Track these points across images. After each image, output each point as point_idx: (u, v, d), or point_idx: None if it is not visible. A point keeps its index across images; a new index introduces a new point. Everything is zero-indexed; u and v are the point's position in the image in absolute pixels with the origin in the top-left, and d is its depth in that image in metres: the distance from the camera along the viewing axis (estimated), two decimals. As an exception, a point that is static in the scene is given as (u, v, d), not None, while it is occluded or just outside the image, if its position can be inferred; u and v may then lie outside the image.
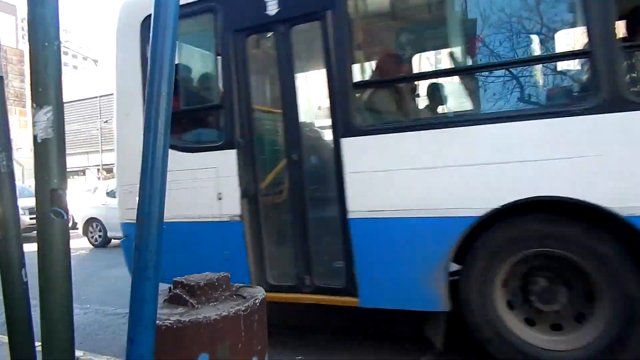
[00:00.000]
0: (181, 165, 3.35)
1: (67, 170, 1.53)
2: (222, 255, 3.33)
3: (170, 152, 2.84)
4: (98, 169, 26.66)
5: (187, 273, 2.53)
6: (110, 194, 9.62)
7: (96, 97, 25.41)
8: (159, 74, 1.41)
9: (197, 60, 4.08)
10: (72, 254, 1.46)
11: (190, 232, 3.44)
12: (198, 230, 3.43)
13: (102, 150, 26.23)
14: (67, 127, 1.50)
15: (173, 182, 2.84)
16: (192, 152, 3.53)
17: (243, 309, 1.79)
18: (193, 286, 1.85)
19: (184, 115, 3.83)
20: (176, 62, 2.80)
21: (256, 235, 3.37)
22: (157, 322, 1.53)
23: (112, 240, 10.07)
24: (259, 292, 1.99)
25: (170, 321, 1.66)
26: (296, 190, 3.28)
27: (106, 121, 23.91)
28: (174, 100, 3.12)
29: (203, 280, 1.89)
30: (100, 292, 5.85)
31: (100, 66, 29.58)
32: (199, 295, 1.84)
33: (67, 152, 1.46)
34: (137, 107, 3.53)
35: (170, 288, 1.95)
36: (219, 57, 3.42)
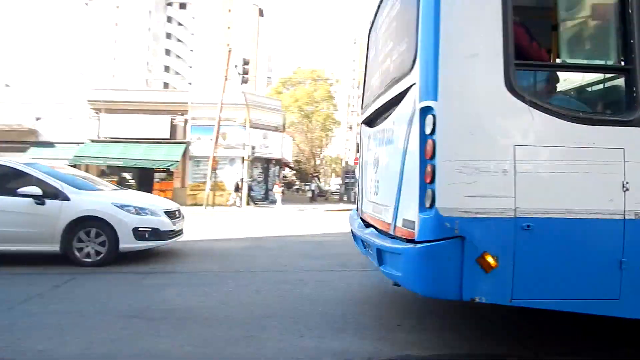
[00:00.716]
0: (566, 140, 2.63)
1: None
2: (613, 263, 2.64)
3: (553, 121, 2.53)
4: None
5: (557, 285, 2.61)
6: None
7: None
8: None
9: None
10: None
11: (568, 232, 2.63)
12: (581, 229, 2.64)
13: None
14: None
15: (550, 163, 2.61)
16: (586, 124, 2.66)
17: None
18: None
19: (576, 76, 3.36)
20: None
21: None
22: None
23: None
24: None
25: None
26: None
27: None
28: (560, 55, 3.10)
29: None
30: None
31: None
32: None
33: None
34: (493, 48, 2.60)
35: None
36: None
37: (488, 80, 2.60)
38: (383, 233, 3.39)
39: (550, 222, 2.57)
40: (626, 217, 2.61)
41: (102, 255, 6.19)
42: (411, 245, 2.71)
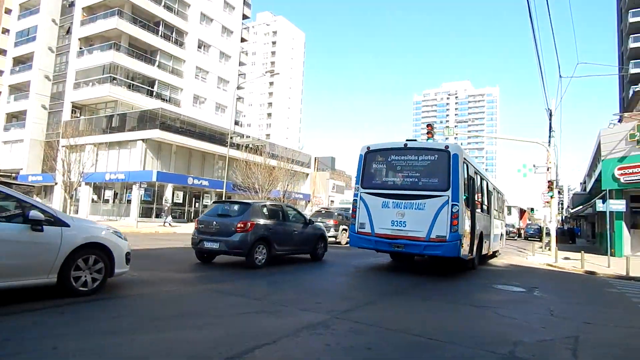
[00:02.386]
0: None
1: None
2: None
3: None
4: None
5: None
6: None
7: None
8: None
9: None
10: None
11: None
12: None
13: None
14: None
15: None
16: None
17: None
18: None
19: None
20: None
21: None
22: None
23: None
24: None
25: None
26: None
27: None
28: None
29: None
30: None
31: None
32: None
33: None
34: (463, 186, 10.17)
35: None
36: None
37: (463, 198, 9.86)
38: (412, 240, 9.73)
39: None
40: None
41: (97, 282, 5.89)
42: (446, 242, 9.44)
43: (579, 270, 13.72)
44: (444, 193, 9.64)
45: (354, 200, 10.90)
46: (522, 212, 48.81)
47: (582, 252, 14.99)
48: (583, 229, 52.99)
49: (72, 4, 38.44)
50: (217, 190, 34.17)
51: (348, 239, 13.45)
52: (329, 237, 16.12)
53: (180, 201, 33.16)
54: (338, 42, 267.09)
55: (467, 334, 5.03)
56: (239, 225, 9.49)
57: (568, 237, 36.74)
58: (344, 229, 19.23)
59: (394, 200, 10.11)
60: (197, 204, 34.90)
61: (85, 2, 36.86)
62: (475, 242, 11.21)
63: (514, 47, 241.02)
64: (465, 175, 10.43)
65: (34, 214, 5.09)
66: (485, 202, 13.63)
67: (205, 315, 5.25)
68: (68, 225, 5.52)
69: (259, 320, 5.08)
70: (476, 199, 11.68)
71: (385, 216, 10.11)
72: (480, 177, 12.98)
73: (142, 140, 31.04)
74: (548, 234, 22.79)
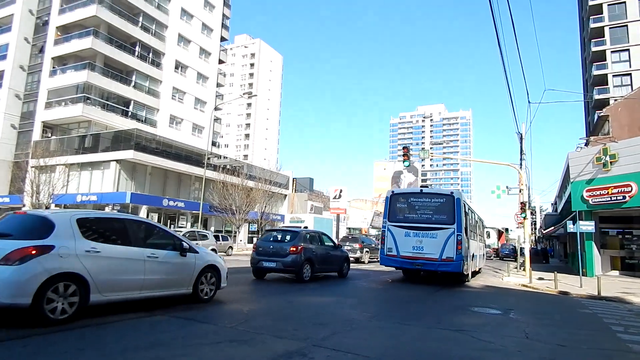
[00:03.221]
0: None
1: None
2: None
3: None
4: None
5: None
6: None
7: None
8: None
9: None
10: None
11: None
12: None
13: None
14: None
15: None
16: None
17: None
18: None
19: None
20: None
21: None
22: None
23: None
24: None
25: None
26: None
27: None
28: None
29: None
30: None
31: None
32: None
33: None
34: (463, 222, 13.84)
35: None
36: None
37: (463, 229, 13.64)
38: (429, 261, 13.39)
39: None
40: None
41: (212, 292, 8.15)
42: (453, 261, 13.15)
43: (553, 291, 13.93)
44: (450, 226, 13.52)
45: (382, 230, 14.76)
46: (500, 234, 50.78)
47: (555, 272, 15.27)
48: (556, 248, 54.24)
49: (45, 23, 37.93)
50: (194, 212, 33.60)
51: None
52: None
53: (157, 221, 32.42)
54: (315, 65, 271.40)
55: (444, 359, 4.97)
56: (291, 249, 12.28)
57: (542, 257, 37.47)
58: (366, 251, 24.39)
59: (414, 231, 13.93)
60: (172, 226, 34.12)
61: (59, 22, 36.44)
62: (470, 261, 15.07)
63: (486, 72, 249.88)
64: (463, 212, 14.03)
65: (183, 245, 7.54)
66: (474, 230, 17.50)
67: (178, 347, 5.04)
68: (198, 252, 7.89)
69: (235, 350, 4.91)
70: (469, 229, 15.33)
71: (407, 242, 13.83)
72: (471, 211, 17.11)
73: (116, 160, 30.41)
74: (523, 254, 23.20)
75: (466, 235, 14.02)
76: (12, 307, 5.19)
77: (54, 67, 36.20)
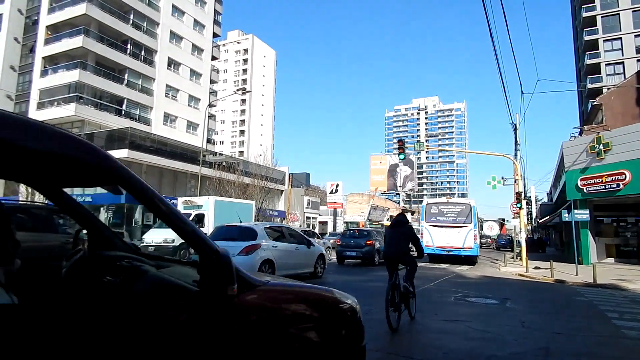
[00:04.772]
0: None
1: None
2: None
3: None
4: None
5: None
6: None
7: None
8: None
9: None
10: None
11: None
12: None
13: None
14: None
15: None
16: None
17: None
18: None
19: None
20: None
21: None
22: None
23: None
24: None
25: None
26: None
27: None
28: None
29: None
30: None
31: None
32: None
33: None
34: (474, 221, 20.67)
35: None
36: None
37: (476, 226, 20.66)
38: (455, 248, 19.78)
39: None
40: None
41: (322, 271, 12.91)
42: (472, 248, 19.67)
43: (549, 280, 14.04)
44: (469, 225, 19.87)
45: (421, 228, 20.79)
46: (501, 225, 52.41)
47: (551, 261, 15.38)
48: (552, 237, 54.59)
49: (35, 23, 37.54)
50: (190, 209, 33.51)
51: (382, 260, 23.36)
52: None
53: (151, 223, 32.30)
54: (309, 60, 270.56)
55: (441, 350, 5.02)
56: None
57: (538, 247, 37.72)
58: (375, 251, 20.44)
59: (444, 229, 20.14)
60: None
61: (49, 21, 36.05)
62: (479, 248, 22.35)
63: (479, 63, 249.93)
64: (476, 215, 21.11)
65: (308, 240, 12.46)
66: (478, 226, 25.18)
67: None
68: (315, 246, 12.73)
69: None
70: (477, 225, 21.75)
71: (439, 236, 19.96)
72: (477, 213, 22.47)
73: (111, 160, 30.23)
74: (519, 244, 23.35)
75: (477, 230, 20.90)
76: None
77: (45, 67, 35.87)
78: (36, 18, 37.60)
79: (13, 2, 38.12)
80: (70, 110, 32.98)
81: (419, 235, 16.82)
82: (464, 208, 20.40)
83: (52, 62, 35.90)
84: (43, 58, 35.97)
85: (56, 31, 35.87)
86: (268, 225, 11.77)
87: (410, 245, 6.81)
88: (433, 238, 19.85)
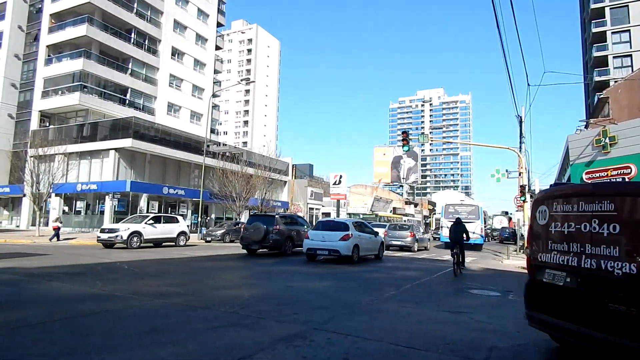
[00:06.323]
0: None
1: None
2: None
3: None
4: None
5: None
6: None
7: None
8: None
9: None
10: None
11: None
12: None
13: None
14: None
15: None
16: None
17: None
18: None
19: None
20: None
21: None
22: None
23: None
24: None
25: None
26: None
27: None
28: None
29: None
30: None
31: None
32: None
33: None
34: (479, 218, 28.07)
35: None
36: None
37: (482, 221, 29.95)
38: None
39: None
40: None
41: (382, 255, 17.32)
42: (479, 238, 26.96)
43: (551, 273, 14.05)
44: (477, 221, 26.57)
45: (441, 221, 30.34)
46: (509, 219, 55.48)
47: (554, 254, 15.36)
48: (554, 231, 54.66)
49: (39, 11, 37.44)
50: (194, 199, 33.65)
51: (419, 248, 23.35)
52: (406, 245, 22.51)
53: (156, 211, 32.45)
54: (313, 50, 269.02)
55: (442, 340, 5.04)
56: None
57: (540, 240, 37.80)
58: (415, 240, 22.97)
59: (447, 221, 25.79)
60: (172, 214, 34.16)
61: (53, 9, 35.95)
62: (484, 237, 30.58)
63: (485, 55, 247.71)
64: (483, 213, 31.02)
65: (375, 231, 17.23)
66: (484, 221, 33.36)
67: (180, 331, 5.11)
68: (377, 234, 17.17)
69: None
70: (483, 221, 29.10)
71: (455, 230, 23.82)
72: (483, 212, 30.45)
73: (115, 149, 30.33)
74: (522, 237, 23.31)
75: (482, 223, 27.81)
76: (346, 256, 14.23)
77: (49, 56, 35.84)
78: (40, 6, 37.49)
79: (17, -11, 37.97)
80: (74, 99, 33.01)
81: (440, 229, 30.84)
82: (474, 208, 28.29)
83: (56, 51, 35.87)
84: (47, 46, 35.93)
85: (60, 19, 35.77)
86: (354, 221, 17.33)
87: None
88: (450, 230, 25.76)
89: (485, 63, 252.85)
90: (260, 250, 17.02)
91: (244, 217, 37.22)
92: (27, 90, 37.09)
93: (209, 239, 25.75)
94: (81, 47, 34.06)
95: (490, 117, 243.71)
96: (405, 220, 46.61)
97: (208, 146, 31.76)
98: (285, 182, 46.01)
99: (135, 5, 37.41)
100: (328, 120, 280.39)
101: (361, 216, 47.33)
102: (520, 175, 22.22)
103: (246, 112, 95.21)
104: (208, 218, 35.29)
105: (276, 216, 17.35)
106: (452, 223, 20.86)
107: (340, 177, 43.52)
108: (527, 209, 21.55)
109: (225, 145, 44.33)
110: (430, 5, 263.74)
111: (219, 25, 47.98)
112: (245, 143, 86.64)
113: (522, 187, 21.49)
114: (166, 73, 40.03)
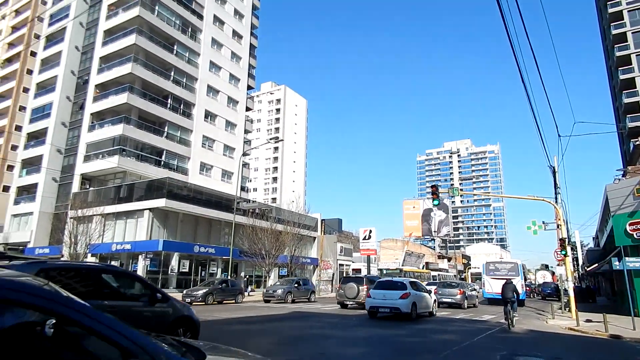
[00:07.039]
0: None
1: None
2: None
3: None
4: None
5: None
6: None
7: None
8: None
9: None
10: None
11: None
12: None
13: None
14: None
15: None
16: None
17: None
18: None
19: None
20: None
21: None
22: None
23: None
24: None
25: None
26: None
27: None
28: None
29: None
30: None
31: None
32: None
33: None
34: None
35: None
36: None
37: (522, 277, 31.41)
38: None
39: None
40: None
41: (435, 313, 18.60)
42: (520, 294, 25.89)
43: (604, 335, 13.01)
44: (517, 277, 27.19)
45: (483, 280, 30.71)
46: (552, 274, 54.34)
47: (604, 313, 14.31)
48: (602, 286, 51.13)
49: (86, 82, 40.58)
50: (224, 257, 33.74)
51: (468, 305, 24.55)
52: (455, 302, 24.28)
53: (187, 270, 32.65)
54: (340, 106, 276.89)
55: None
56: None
57: (587, 296, 35.32)
58: (465, 298, 24.63)
59: (499, 280, 24.30)
60: (203, 273, 34.25)
61: (98, 80, 38.91)
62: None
63: (512, 105, 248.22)
64: (522, 270, 31.56)
65: (428, 289, 19.59)
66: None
67: None
68: (431, 292, 19.36)
69: None
70: (523, 277, 31.60)
71: (496, 285, 23.28)
72: (523, 268, 31.35)
73: (149, 209, 31.25)
74: (566, 293, 21.95)
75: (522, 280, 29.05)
76: (406, 313, 15.62)
77: (92, 122, 38.30)
78: (87, 78, 40.68)
79: (67, 64, 41.58)
80: (113, 162, 34.72)
81: (482, 285, 31.12)
82: (513, 265, 30.08)
83: (99, 118, 38.34)
84: (91, 114, 38.50)
85: (104, 89, 38.57)
86: (411, 280, 18.57)
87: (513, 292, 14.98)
88: (492, 286, 28.07)
89: (513, 113, 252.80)
90: (350, 305, 21.40)
91: (274, 275, 36.93)
92: (71, 155, 39.37)
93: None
94: (122, 114, 36.31)
95: (520, 165, 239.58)
96: (439, 276, 44.89)
97: (238, 203, 32.31)
98: (315, 237, 45.74)
99: (172, 74, 40.05)
100: (355, 174, 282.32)
101: (385, 272, 46.01)
102: (558, 227, 21.32)
103: (275, 168, 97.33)
104: (237, 276, 35.09)
105: (364, 278, 22.50)
106: (500, 282, 20.99)
107: (370, 231, 42.97)
108: (569, 262, 20.45)
109: (255, 202, 44.98)
110: (454, 58, 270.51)
111: (249, 88, 50.45)
112: (274, 199, 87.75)
113: (562, 240, 20.52)
114: (199, 135, 41.84)
